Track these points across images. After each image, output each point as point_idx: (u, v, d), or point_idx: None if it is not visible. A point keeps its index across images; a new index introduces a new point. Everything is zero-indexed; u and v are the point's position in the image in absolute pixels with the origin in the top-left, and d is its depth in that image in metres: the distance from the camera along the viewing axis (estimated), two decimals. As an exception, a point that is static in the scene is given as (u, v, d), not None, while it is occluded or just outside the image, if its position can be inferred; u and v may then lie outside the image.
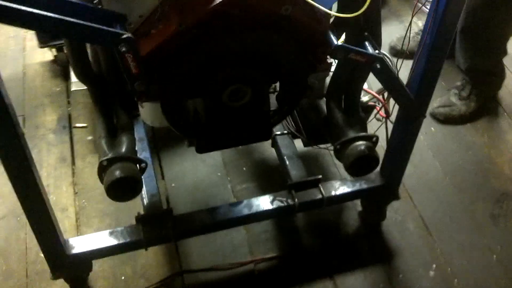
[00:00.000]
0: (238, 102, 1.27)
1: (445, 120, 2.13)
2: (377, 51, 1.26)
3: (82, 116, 2.05)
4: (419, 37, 2.28)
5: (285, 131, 1.77)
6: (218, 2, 1.08)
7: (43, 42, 2.06)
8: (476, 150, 2.06)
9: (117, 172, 1.25)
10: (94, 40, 1.04)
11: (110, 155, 1.27)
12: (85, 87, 1.37)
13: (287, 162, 1.70)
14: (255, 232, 1.78)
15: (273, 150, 1.83)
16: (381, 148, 1.57)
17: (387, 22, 2.54)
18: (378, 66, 1.26)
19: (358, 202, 1.84)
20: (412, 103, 1.41)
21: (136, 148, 1.69)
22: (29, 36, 2.29)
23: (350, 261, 1.74)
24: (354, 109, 1.42)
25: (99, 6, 1.09)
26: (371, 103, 1.58)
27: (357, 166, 1.36)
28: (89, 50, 1.31)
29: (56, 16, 0.97)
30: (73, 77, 2.02)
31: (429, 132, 2.11)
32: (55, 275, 1.49)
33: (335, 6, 1.24)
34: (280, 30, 1.18)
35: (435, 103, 2.15)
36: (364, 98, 1.58)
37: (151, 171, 1.65)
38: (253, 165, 1.95)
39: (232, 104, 1.27)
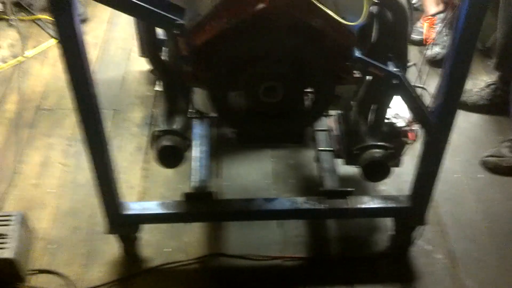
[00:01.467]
0: (273, 99, 1.50)
1: (494, 169, 2.21)
2: (395, 69, 1.45)
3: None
4: (486, 91, 2.42)
5: (329, 148, 1.96)
6: (259, 7, 1.34)
7: (143, 52, 2.44)
8: (520, 202, 2.12)
9: (165, 141, 1.53)
10: (157, 22, 1.34)
11: (162, 128, 1.56)
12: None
13: (324, 173, 1.89)
14: (289, 234, 1.97)
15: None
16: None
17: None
18: (395, 82, 1.44)
19: (390, 225, 1.96)
20: (433, 127, 1.56)
21: (197, 142, 1.99)
22: (135, 49, 2.70)
23: (372, 274, 1.88)
24: (378, 123, 1.60)
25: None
26: (406, 128, 1.75)
27: (370, 170, 1.54)
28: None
29: (134, 1, 1.29)
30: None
31: (475, 178, 2.20)
32: (108, 230, 1.77)
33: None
34: (312, 39, 1.41)
35: (486, 152, 2.24)
36: (400, 123, 1.75)
37: (207, 162, 1.92)
38: (299, 180, 2.15)
39: (267, 100, 1.50)
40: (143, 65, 2.60)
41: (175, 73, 1.58)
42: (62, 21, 1.28)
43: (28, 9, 2.96)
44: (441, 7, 2.79)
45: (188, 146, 1.59)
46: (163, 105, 1.64)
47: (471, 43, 1.40)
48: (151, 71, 2.55)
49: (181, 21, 1.32)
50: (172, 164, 1.58)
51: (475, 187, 2.17)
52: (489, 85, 2.46)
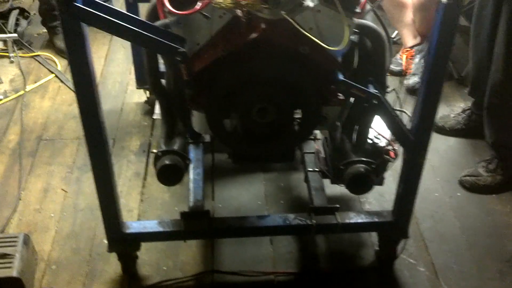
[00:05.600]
0: (265, 119, 1.64)
1: (471, 188, 2.35)
2: (375, 91, 1.60)
3: (160, 146, 2.52)
4: (462, 116, 2.59)
5: (317, 169, 2.10)
6: (251, 37, 1.50)
7: (140, 84, 2.59)
8: (496, 217, 2.26)
9: (166, 160, 1.66)
10: (161, 50, 1.49)
11: (164, 149, 1.68)
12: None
13: (313, 192, 2.01)
14: (281, 251, 2.08)
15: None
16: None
17: (436, 104, 2.85)
18: (375, 102, 1.59)
19: (376, 241, 2.09)
20: (411, 144, 1.71)
21: (193, 165, 2.11)
22: (132, 82, 2.85)
23: (359, 287, 1.98)
24: (361, 142, 1.75)
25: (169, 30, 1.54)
26: (387, 148, 1.89)
27: (355, 184, 1.67)
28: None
29: (142, 32, 1.43)
30: (156, 109, 2.51)
31: (454, 196, 2.34)
32: (111, 248, 1.88)
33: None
34: (300, 65, 1.56)
35: (463, 172, 2.39)
36: (382, 143, 1.90)
37: (201, 184, 2.04)
38: (289, 200, 2.28)
39: (260, 120, 1.64)
40: (140, 97, 2.76)
41: (173, 98, 1.72)
42: (75, 54, 1.44)
43: (28, 46, 3.11)
44: (418, 39, 2.99)
45: (188, 165, 1.71)
46: (163, 127, 1.77)
47: (442, 66, 1.55)
48: (146, 102, 2.71)
49: (182, 49, 1.46)
50: (172, 182, 1.70)
51: (454, 204, 2.30)
52: (465, 110, 2.63)
